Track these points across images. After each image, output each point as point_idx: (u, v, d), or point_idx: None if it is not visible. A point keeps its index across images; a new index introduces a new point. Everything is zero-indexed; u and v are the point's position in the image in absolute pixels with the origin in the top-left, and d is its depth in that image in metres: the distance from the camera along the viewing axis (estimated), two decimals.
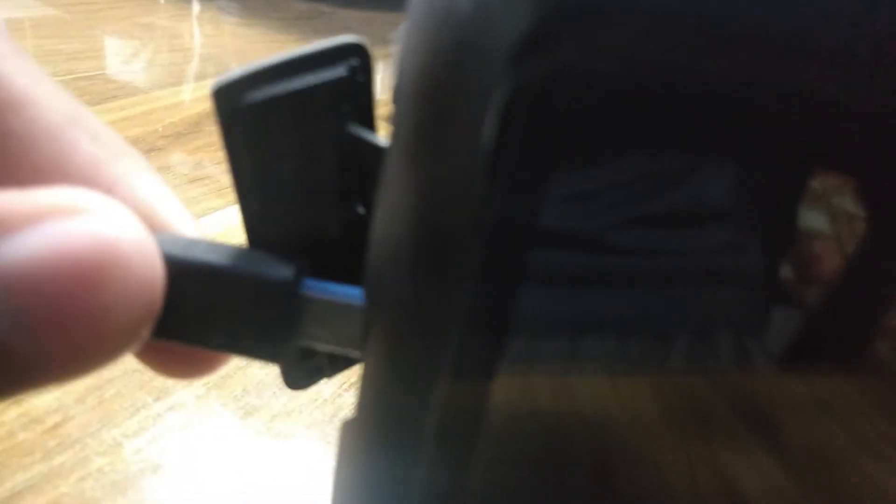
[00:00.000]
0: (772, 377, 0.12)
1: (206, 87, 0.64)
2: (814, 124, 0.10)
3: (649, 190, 0.12)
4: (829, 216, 0.11)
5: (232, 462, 0.26)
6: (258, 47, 0.77)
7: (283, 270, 0.13)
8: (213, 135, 0.53)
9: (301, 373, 0.16)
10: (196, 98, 0.61)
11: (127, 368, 0.28)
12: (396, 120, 0.12)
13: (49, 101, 0.14)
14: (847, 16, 0.09)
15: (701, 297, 0.12)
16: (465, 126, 0.10)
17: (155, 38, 0.76)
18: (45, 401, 0.27)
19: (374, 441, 0.14)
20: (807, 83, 0.10)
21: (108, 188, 0.14)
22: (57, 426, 0.26)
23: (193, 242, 0.14)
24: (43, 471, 0.24)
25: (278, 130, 0.13)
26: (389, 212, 0.12)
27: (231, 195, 0.40)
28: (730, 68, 0.10)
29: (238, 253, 0.14)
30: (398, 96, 0.12)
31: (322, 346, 0.14)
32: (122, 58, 0.71)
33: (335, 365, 0.16)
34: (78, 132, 0.14)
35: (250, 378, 0.29)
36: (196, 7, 0.94)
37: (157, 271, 0.12)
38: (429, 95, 0.11)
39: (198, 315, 0.14)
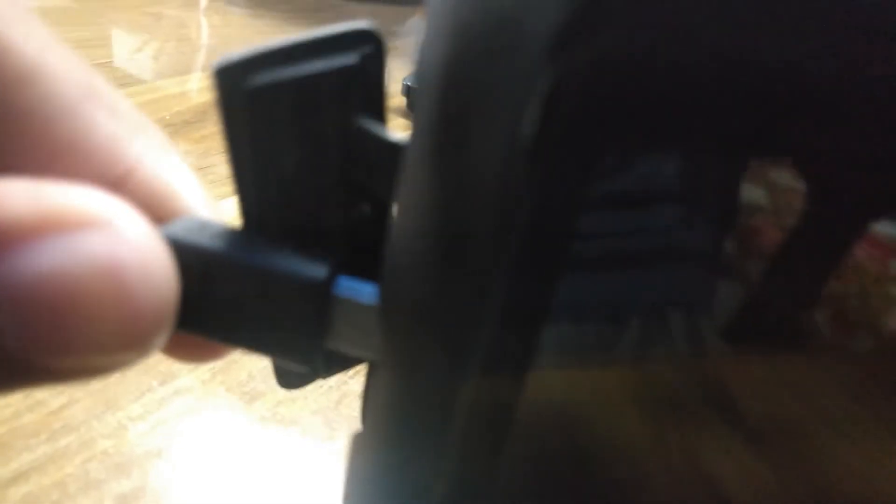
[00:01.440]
0: (735, 359, 0.12)
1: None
2: (754, 100, 0.10)
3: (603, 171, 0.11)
4: (767, 190, 0.11)
5: (236, 446, 0.26)
6: (266, 39, 0.77)
7: (316, 269, 0.13)
8: (217, 124, 0.53)
9: (293, 375, 0.16)
10: (203, 88, 0.61)
11: None
12: (418, 112, 0.11)
13: (63, 71, 0.13)
14: None
15: (652, 276, 0.12)
16: (500, 118, 0.10)
17: (162, 28, 0.76)
18: None
19: (390, 454, 0.13)
20: (747, 60, 0.09)
21: (129, 168, 0.13)
22: (62, 409, 0.26)
23: (223, 231, 0.13)
24: (48, 452, 0.24)
25: (281, 118, 0.13)
26: (411, 209, 0.12)
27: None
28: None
29: (268, 245, 0.13)
30: (418, 86, 0.11)
31: (350, 350, 0.14)
32: (129, 47, 0.71)
33: (330, 366, 0.15)
34: (95, 106, 0.13)
35: (256, 364, 0.29)
36: None
37: (171, 283, 0.12)
38: (459, 86, 0.10)
39: (223, 311, 0.13)
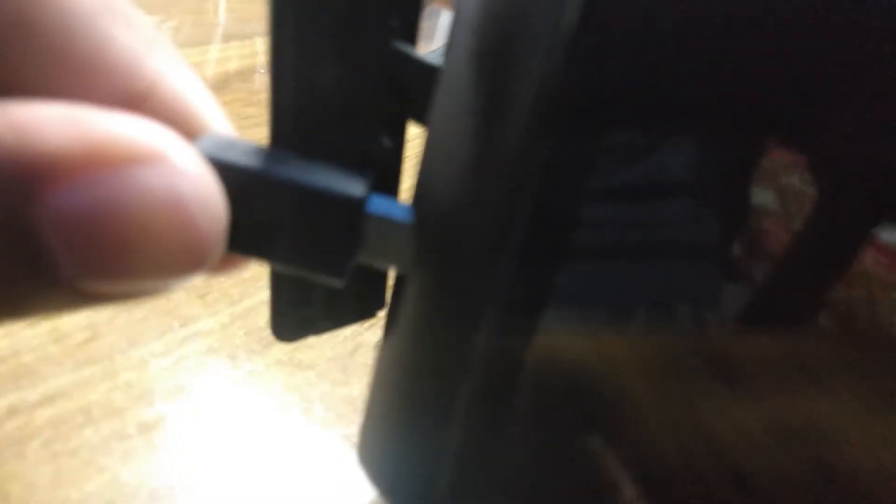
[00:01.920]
0: (747, 336, 0.12)
1: (230, 49, 0.64)
2: (767, 100, 0.11)
3: (621, 161, 0.12)
4: (778, 194, 0.11)
5: (252, 386, 0.27)
6: None
7: (353, 186, 0.13)
8: (236, 93, 0.54)
9: (292, 322, 0.16)
10: (222, 58, 0.61)
11: None
12: (454, 37, 0.12)
13: None
14: None
15: (661, 269, 0.12)
16: (535, 35, 0.10)
17: (181, 5, 0.77)
18: (74, 319, 0.27)
19: (413, 366, 0.14)
20: (760, 60, 0.10)
21: (150, 84, 0.14)
22: (87, 342, 0.26)
23: (249, 148, 0.14)
24: (73, 380, 0.25)
25: (325, 29, 0.13)
26: (447, 132, 0.12)
27: None
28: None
29: (302, 162, 0.14)
30: (456, 16, 0.12)
31: (381, 263, 0.14)
32: (145, 17, 0.71)
33: (326, 322, 0.16)
34: (112, 19, 0.13)
35: None
36: None
37: (222, 205, 0.12)
38: (495, 9, 0.11)
39: (260, 227, 0.14)
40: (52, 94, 0.13)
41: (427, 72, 0.13)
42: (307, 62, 0.13)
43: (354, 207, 0.13)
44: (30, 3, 0.12)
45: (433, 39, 0.76)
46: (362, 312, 0.16)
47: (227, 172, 0.13)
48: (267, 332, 0.29)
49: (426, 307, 0.14)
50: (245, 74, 0.57)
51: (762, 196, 0.11)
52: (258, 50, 0.67)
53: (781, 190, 0.11)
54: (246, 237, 0.14)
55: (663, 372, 0.13)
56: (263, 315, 0.30)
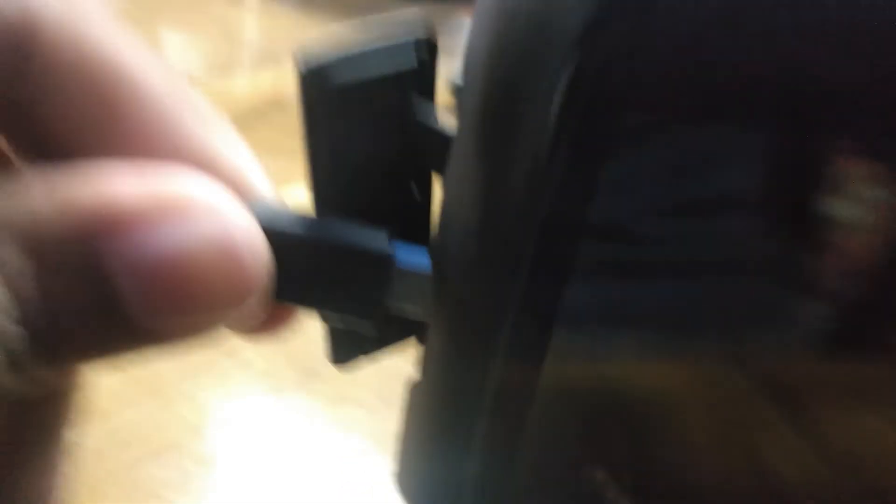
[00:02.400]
0: (809, 363, 0.12)
1: (261, 77, 0.66)
2: (846, 109, 0.10)
3: (679, 179, 0.12)
4: (862, 206, 0.11)
5: (297, 418, 0.28)
6: (313, 37, 0.79)
7: (380, 243, 0.15)
8: (267, 123, 0.56)
9: (347, 349, 0.18)
10: (252, 88, 0.64)
11: None
12: (465, 105, 0.13)
13: (156, 75, 0.15)
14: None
15: (731, 288, 0.12)
16: (532, 105, 0.11)
17: (212, 27, 0.79)
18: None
19: (435, 401, 0.15)
20: (837, 69, 0.10)
21: (212, 158, 0.15)
22: (147, 378, 0.28)
23: (292, 213, 0.16)
24: (132, 416, 0.27)
25: (353, 112, 0.15)
26: (458, 190, 0.14)
27: (281, 180, 0.42)
28: (765, 55, 0.10)
29: (333, 223, 0.16)
30: (466, 78, 0.13)
31: (407, 310, 0.16)
32: (180, 47, 0.74)
33: (381, 343, 0.17)
34: (182, 103, 0.15)
35: (317, 345, 0.32)
36: None
37: (267, 256, 0.14)
38: (499, 78, 0.12)
39: (298, 280, 0.16)
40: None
41: (441, 139, 0.15)
42: (338, 141, 0.15)
43: (381, 262, 0.15)
44: (117, 92, 0.14)
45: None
46: (407, 331, 0.18)
47: (269, 230, 0.15)
48: (311, 365, 0.31)
49: (445, 346, 0.15)
50: (280, 104, 0.59)
51: (844, 208, 0.11)
52: (289, 75, 0.68)
53: (859, 201, 0.11)
54: (288, 288, 0.15)
55: (716, 398, 0.13)
56: (307, 350, 0.32)
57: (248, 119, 0.57)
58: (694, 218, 0.12)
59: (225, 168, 0.16)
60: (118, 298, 0.13)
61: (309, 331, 0.32)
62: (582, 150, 0.12)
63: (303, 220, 0.16)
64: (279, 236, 0.15)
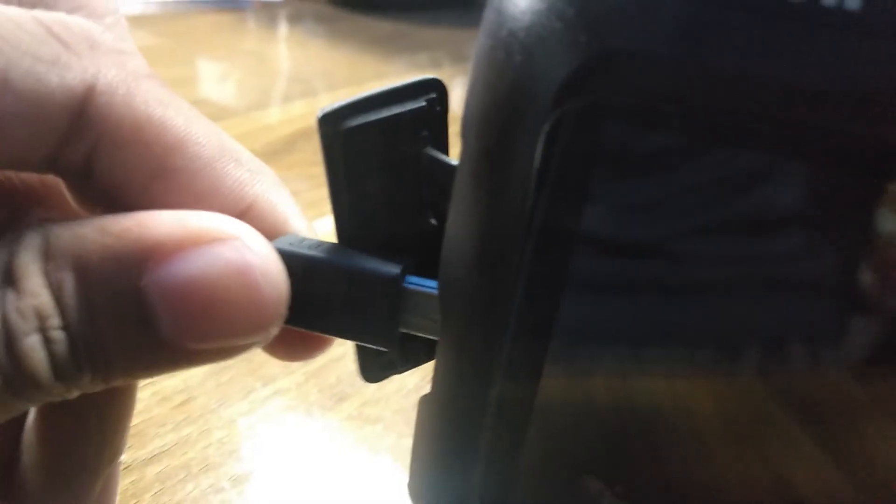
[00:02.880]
0: (833, 381, 0.12)
1: (295, 108, 0.69)
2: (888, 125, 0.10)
3: (719, 196, 0.12)
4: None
5: (327, 438, 0.30)
6: (343, 67, 0.82)
7: (391, 267, 0.16)
8: (303, 153, 0.58)
9: (376, 366, 0.19)
10: (286, 119, 0.66)
11: (240, 358, 0.32)
12: (464, 146, 0.14)
13: (203, 136, 0.17)
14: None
15: (773, 305, 0.12)
16: (518, 151, 0.13)
17: (246, 61, 0.82)
18: (172, 383, 0.31)
19: (443, 415, 0.16)
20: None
21: (251, 203, 0.17)
22: (183, 403, 0.30)
23: (318, 244, 0.17)
24: (174, 439, 0.28)
25: (369, 150, 0.16)
26: (458, 220, 0.15)
27: (318, 209, 0.44)
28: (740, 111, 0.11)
29: (352, 253, 0.17)
30: (465, 127, 0.14)
31: (420, 331, 0.17)
32: (216, 82, 0.76)
33: (406, 361, 0.18)
34: (226, 160, 0.17)
35: (343, 369, 0.33)
36: (284, 30, 1.00)
37: (280, 281, 0.16)
38: (490, 129, 0.13)
39: (318, 306, 0.17)
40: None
41: (451, 172, 0.16)
42: (356, 178, 0.17)
43: (392, 283, 0.16)
44: (168, 153, 0.17)
45: None
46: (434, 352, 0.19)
47: (294, 260, 0.16)
48: (338, 388, 0.32)
49: (451, 361, 0.16)
50: (310, 133, 0.61)
51: (893, 221, 0.11)
52: (320, 105, 0.71)
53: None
54: (309, 314, 0.17)
55: (727, 410, 0.13)
56: (334, 372, 0.33)
57: (282, 147, 0.59)
58: (730, 235, 0.12)
59: (263, 211, 0.18)
60: (151, 316, 0.15)
61: (337, 355, 0.33)
62: (562, 194, 0.13)
63: (324, 250, 0.17)
64: (300, 266, 0.17)
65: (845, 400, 0.13)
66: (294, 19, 1.03)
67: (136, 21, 0.91)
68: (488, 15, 0.13)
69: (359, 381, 0.33)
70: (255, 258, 0.16)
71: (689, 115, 0.12)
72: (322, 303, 0.17)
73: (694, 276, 0.13)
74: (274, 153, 0.57)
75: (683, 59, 0.11)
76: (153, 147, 0.17)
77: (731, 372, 0.13)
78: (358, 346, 0.19)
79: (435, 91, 0.16)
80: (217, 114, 0.64)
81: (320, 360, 0.34)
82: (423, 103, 0.16)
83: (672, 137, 0.12)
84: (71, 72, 0.15)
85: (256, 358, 0.33)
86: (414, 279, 0.17)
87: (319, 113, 0.16)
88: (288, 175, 0.53)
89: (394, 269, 0.17)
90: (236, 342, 0.16)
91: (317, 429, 0.30)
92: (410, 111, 0.16)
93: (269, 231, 0.18)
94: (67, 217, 0.16)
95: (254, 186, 0.18)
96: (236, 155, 0.18)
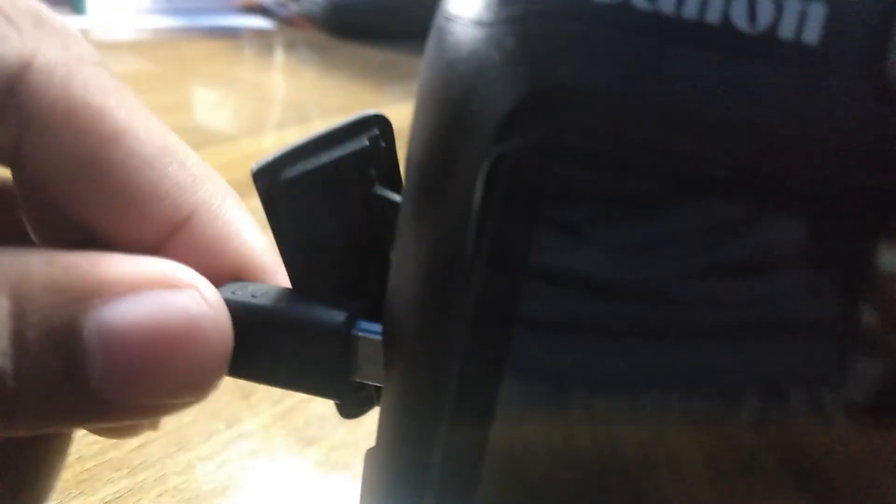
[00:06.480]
0: (831, 431, 0.12)
1: (289, 134, 0.68)
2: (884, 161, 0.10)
3: (713, 240, 0.11)
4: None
5: (293, 487, 0.28)
6: (336, 95, 0.82)
7: (336, 315, 0.15)
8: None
9: (354, 403, 0.18)
10: (280, 145, 0.65)
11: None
12: (406, 183, 0.14)
13: (145, 131, 0.16)
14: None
15: (772, 349, 0.12)
16: (458, 190, 0.12)
17: (239, 89, 0.81)
18: None
19: (387, 469, 0.15)
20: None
21: (192, 212, 0.16)
22: (141, 447, 0.29)
23: (265, 290, 0.16)
24: (128, 486, 0.27)
25: (312, 199, 0.15)
26: (400, 260, 0.14)
27: None
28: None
29: (300, 300, 0.16)
30: (407, 162, 0.13)
31: (371, 380, 0.16)
32: (208, 108, 0.76)
33: (377, 395, 0.17)
34: (168, 161, 0.16)
35: (312, 412, 0.32)
36: (279, 58, 1.00)
37: (228, 337, 0.15)
38: (429, 167, 0.13)
39: (265, 357, 0.16)
40: (109, 216, 0.16)
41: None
42: (301, 225, 0.16)
43: (337, 332, 0.15)
44: (102, 147, 0.15)
45: None
46: None
47: (238, 309, 0.15)
48: (306, 432, 0.31)
49: (394, 410, 0.15)
50: None
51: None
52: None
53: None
54: (255, 366, 0.16)
55: (730, 467, 0.13)
56: (303, 415, 0.32)
57: None
58: (726, 278, 0.12)
59: (204, 221, 0.17)
60: (84, 361, 0.14)
61: (308, 397, 0.32)
62: (506, 235, 0.12)
63: (270, 298, 0.16)
64: (244, 316, 0.16)
65: (840, 451, 0.12)
66: (288, 47, 1.03)
67: (130, 47, 0.91)
68: (429, 44, 0.12)
69: (328, 424, 0.32)
70: (210, 311, 0.15)
71: (643, 157, 0.11)
72: (268, 354, 0.16)
73: (690, 320, 0.12)
74: None
75: (629, 96, 0.10)
76: (86, 136, 0.15)
77: (701, 419, 0.12)
78: None
79: (377, 126, 0.16)
80: (210, 139, 0.64)
81: (289, 400, 0.33)
82: (366, 142, 0.15)
83: (625, 180, 0.11)
84: (6, 44, 0.14)
85: (223, 396, 0.32)
86: (365, 324, 0.16)
87: (254, 167, 0.15)
88: None
89: (339, 316, 0.16)
90: (171, 400, 0.15)
91: (280, 476, 0.29)
92: (353, 154, 0.15)
93: (210, 248, 0.17)
94: (19, 244, 0.15)
95: (196, 193, 0.17)
96: (181, 157, 0.16)
